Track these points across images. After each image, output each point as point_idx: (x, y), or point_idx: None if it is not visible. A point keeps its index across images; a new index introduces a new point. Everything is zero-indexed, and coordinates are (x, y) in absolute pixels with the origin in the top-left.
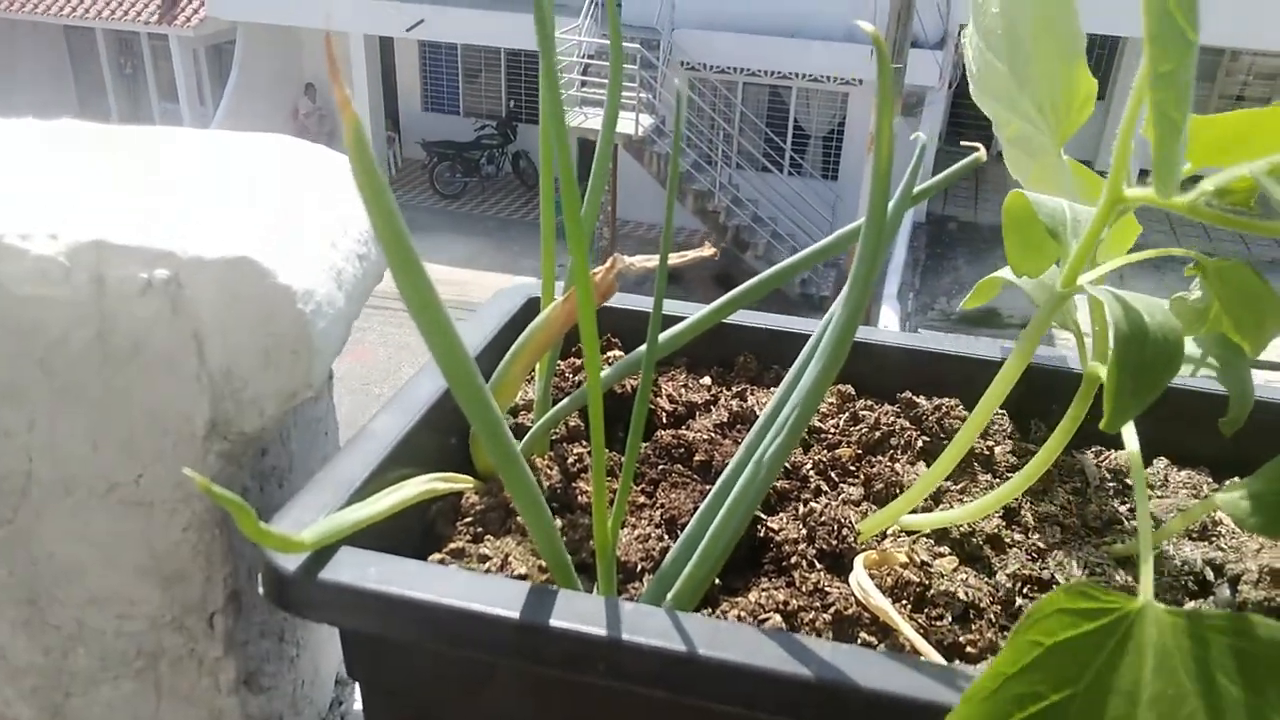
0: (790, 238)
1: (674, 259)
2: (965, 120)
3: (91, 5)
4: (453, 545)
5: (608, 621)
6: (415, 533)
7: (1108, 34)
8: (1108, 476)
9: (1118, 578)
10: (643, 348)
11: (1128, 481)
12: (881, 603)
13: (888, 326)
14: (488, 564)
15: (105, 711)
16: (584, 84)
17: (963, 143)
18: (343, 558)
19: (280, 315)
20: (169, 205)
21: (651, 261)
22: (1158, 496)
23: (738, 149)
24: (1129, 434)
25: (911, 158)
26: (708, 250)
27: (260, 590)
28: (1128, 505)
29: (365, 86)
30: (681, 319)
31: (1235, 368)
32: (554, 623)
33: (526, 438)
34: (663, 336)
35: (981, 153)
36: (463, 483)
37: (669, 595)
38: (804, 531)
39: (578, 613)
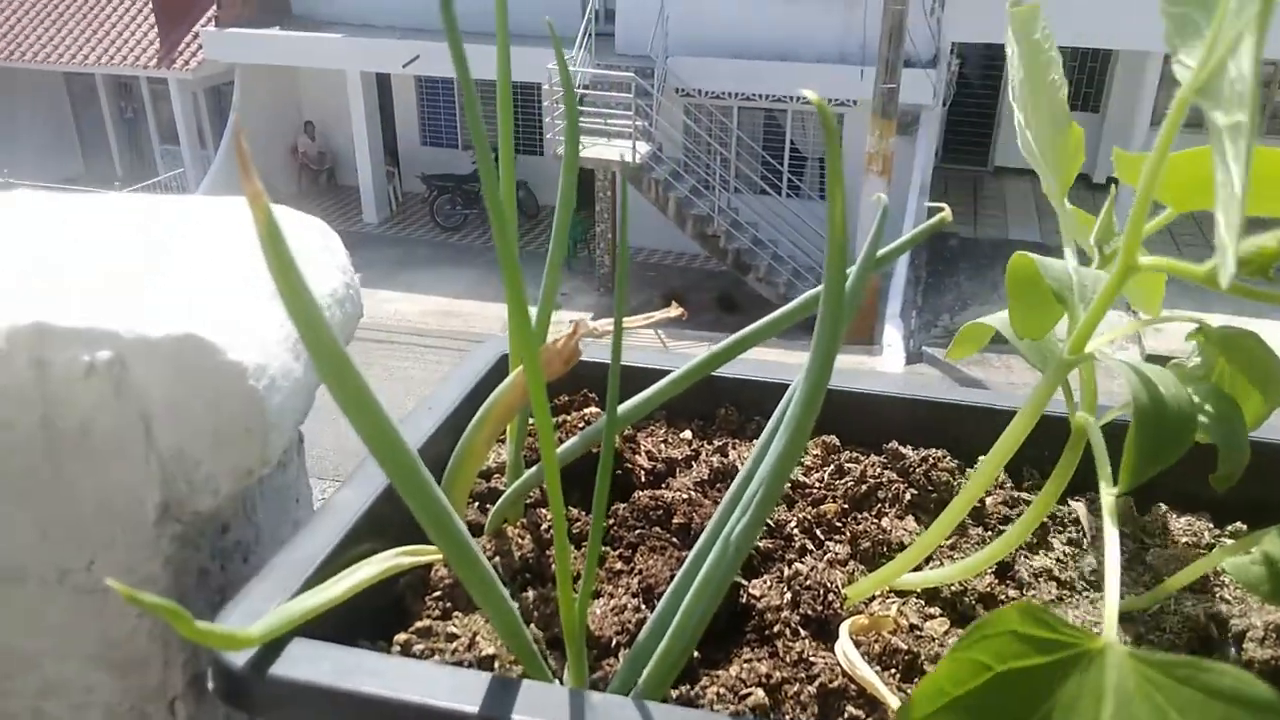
0: (791, 259)
1: (641, 322)
2: (962, 136)
3: (90, 52)
4: (419, 624)
5: (571, 716)
6: (383, 608)
7: (1099, 47)
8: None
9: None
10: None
11: (1125, 530)
12: (867, 674)
13: (891, 346)
14: (455, 643)
15: None
16: (580, 114)
17: (928, 205)
18: (294, 651)
19: (231, 393)
20: (116, 282)
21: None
22: (1157, 546)
23: (735, 173)
24: (1105, 481)
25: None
26: (675, 311)
27: (210, 687)
28: (1125, 554)
29: (364, 123)
30: (656, 372)
31: (1230, 422)
32: (515, 718)
33: (496, 506)
34: (634, 401)
35: (947, 213)
36: (430, 554)
37: (641, 678)
38: (788, 596)
39: (540, 705)
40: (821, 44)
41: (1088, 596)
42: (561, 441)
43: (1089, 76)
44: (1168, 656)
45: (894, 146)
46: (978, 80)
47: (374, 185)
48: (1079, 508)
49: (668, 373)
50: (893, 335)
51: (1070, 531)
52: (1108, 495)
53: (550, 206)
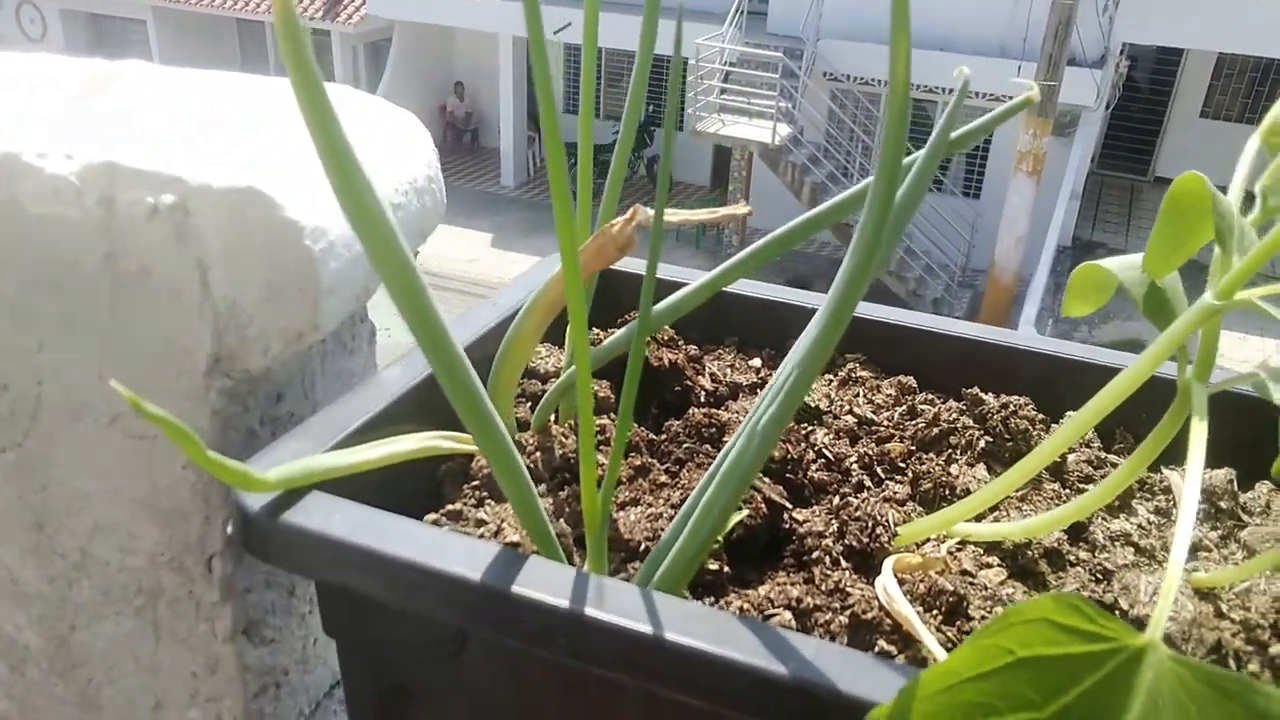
0: (925, 255)
1: (704, 216)
2: (1123, 142)
3: (262, 0)
4: (451, 506)
5: (573, 594)
6: (421, 493)
7: None
8: (1200, 499)
9: (1189, 607)
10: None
11: (1222, 505)
12: (905, 608)
13: None
14: (482, 528)
15: (107, 646)
16: (724, 91)
17: (1014, 80)
18: (310, 503)
19: (286, 249)
20: (192, 131)
21: (679, 216)
22: (1256, 524)
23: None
24: (1196, 446)
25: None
26: (742, 208)
27: (229, 530)
28: (1219, 531)
29: (510, 87)
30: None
31: None
32: (515, 589)
33: (541, 401)
34: (670, 299)
35: (1034, 92)
36: (472, 444)
37: (656, 575)
38: (834, 526)
39: (543, 582)
40: (982, 36)
41: (1167, 567)
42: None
43: None
44: (1216, 670)
45: (1048, 146)
46: (1146, 85)
47: (514, 149)
48: (1173, 477)
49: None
50: None
51: (1159, 500)
52: (1194, 466)
53: (685, 183)
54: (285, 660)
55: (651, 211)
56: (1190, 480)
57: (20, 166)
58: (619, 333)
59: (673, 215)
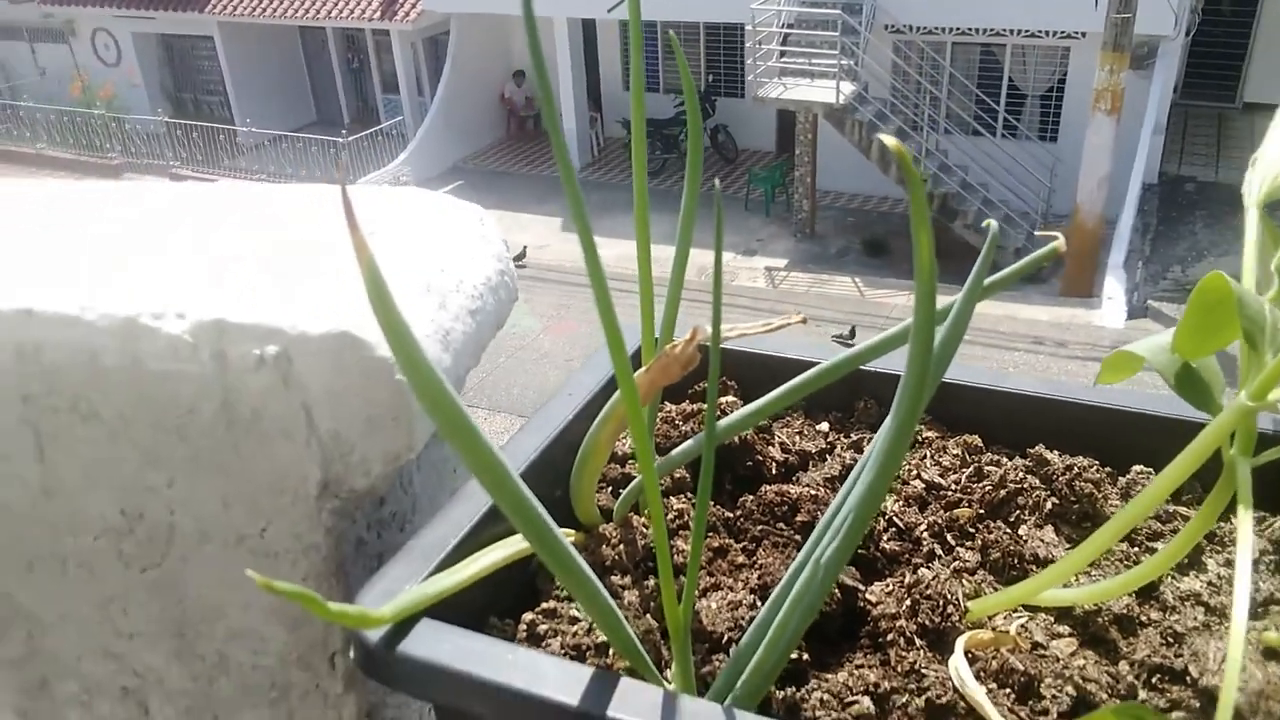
0: (1004, 204)
1: (759, 329)
2: (1206, 69)
3: (322, 6)
4: (545, 605)
5: (661, 717)
6: (517, 585)
7: None
8: (1269, 548)
9: (1258, 676)
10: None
11: None
12: (976, 692)
13: (1112, 299)
14: (575, 626)
15: None
16: (783, 54)
17: (1037, 233)
18: (421, 631)
19: (380, 385)
20: (283, 280)
21: (737, 330)
22: None
23: (946, 113)
24: (1244, 535)
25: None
26: (796, 318)
27: (350, 657)
28: None
29: (569, 69)
30: (796, 363)
31: None
32: (608, 713)
33: (623, 496)
34: (744, 411)
35: (1060, 241)
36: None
37: (738, 684)
38: (906, 605)
39: (634, 705)
40: None
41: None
42: (693, 433)
43: None
44: None
45: (1125, 81)
46: (1228, 6)
47: (577, 131)
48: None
49: (808, 365)
50: (1114, 288)
51: (1229, 552)
52: (1242, 559)
53: (750, 150)
54: None
55: (709, 330)
56: (1240, 576)
57: (139, 328)
58: (688, 444)
59: (730, 331)
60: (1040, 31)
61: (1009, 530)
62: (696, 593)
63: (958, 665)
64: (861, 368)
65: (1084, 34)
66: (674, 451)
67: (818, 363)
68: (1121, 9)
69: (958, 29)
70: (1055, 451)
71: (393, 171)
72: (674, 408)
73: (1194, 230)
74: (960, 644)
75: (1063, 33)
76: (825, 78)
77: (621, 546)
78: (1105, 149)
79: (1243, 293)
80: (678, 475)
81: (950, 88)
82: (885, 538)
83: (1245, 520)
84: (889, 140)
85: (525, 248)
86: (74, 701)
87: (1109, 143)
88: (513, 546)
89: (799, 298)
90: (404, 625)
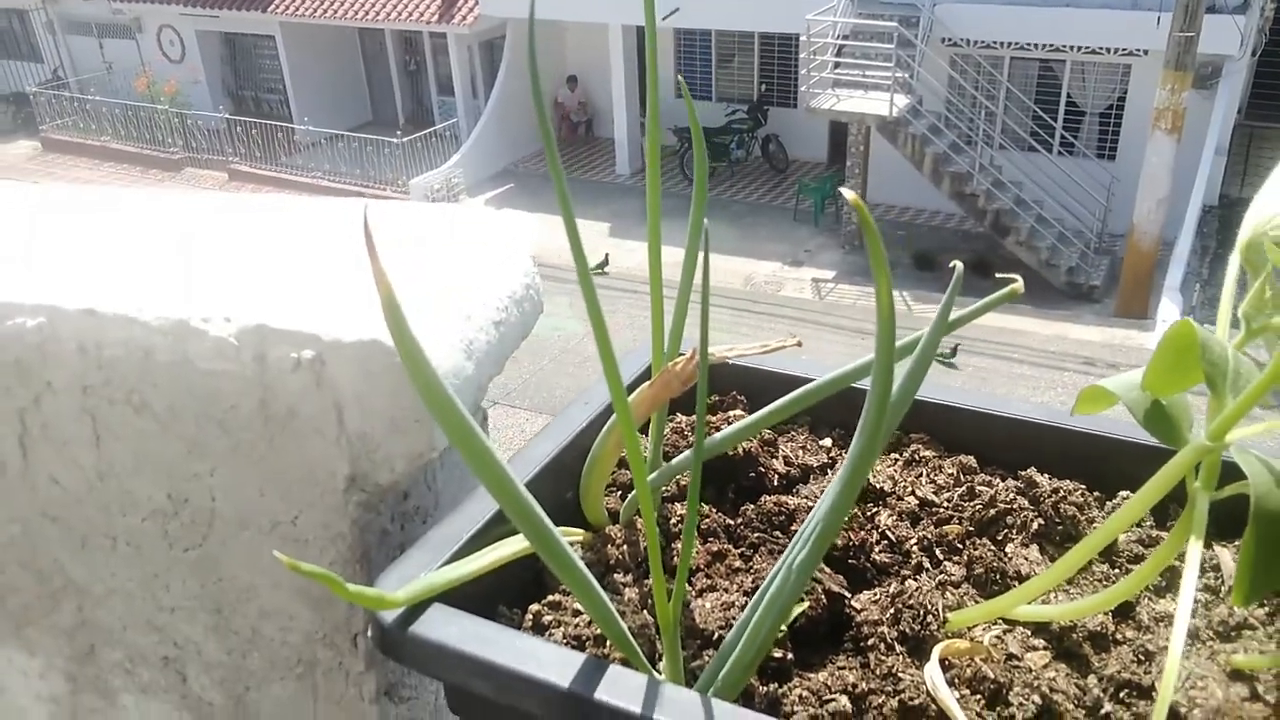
0: (1058, 222)
1: (757, 350)
2: (1271, 93)
3: (381, 9)
4: (551, 598)
5: (644, 701)
6: (526, 580)
7: None
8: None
9: (1218, 694)
10: (751, 418)
11: None
12: (946, 697)
13: (1166, 323)
14: (578, 618)
15: (275, 706)
16: (837, 65)
17: (997, 275)
18: (432, 615)
19: (405, 389)
20: (319, 289)
21: (736, 350)
22: None
23: (1001, 128)
24: (1191, 569)
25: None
26: (792, 341)
27: (368, 635)
28: (1266, 609)
29: (622, 75)
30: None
31: None
32: (596, 696)
33: (627, 500)
34: (732, 429)
35: (1019, 284)
36: (571, 536)
37: (719, 677)
38: (889, 613)
39: (618, 690)
40: None
41: (1210, 647)
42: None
43: None
44: None
45: (1187, 101)
46: None
47: (628, 137)
48: (1223, 554)
49: (804, 381)
50: (1170, 310)
51: (1208, 577)
52: (1186, 590)
53: (801, 160)
54: (421, 713)
55: (713, 351)
56: (1183, 598)
57: (189, 330)
58: (687, 454)
59: (727, 351)
60: (1101, 48)
61: (995, 548)
62: (694, 593)
63: (931, 671)
64: (863, 386)
65: (1146, 51)
66: (673, 460)
67: (809, 377)
68: (1185, 28)
69: (1016, 44)
70: (1046, 475)
71: (445, 173)
72: (685, 419)
73: None
74: (936, 651)
75: (1124, 50)
76: (879, 90)
77: (625, 547)
78: (1164, 169)
79: (1207, 339)
80: (683, 483)
81: (1007, 103)
82: (877, 550)
83: (1194, 549)
84: (849, 194)
85: (607, 255)
86: (119, 668)
87: (1169, 163)
88: (521, 543)
89: (845, 310)
90: (417, 609)
